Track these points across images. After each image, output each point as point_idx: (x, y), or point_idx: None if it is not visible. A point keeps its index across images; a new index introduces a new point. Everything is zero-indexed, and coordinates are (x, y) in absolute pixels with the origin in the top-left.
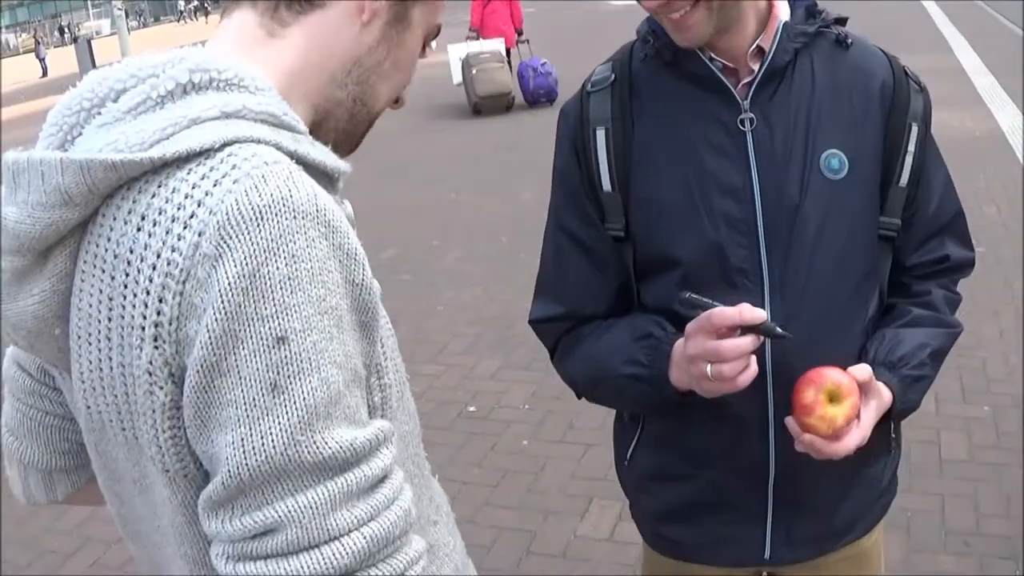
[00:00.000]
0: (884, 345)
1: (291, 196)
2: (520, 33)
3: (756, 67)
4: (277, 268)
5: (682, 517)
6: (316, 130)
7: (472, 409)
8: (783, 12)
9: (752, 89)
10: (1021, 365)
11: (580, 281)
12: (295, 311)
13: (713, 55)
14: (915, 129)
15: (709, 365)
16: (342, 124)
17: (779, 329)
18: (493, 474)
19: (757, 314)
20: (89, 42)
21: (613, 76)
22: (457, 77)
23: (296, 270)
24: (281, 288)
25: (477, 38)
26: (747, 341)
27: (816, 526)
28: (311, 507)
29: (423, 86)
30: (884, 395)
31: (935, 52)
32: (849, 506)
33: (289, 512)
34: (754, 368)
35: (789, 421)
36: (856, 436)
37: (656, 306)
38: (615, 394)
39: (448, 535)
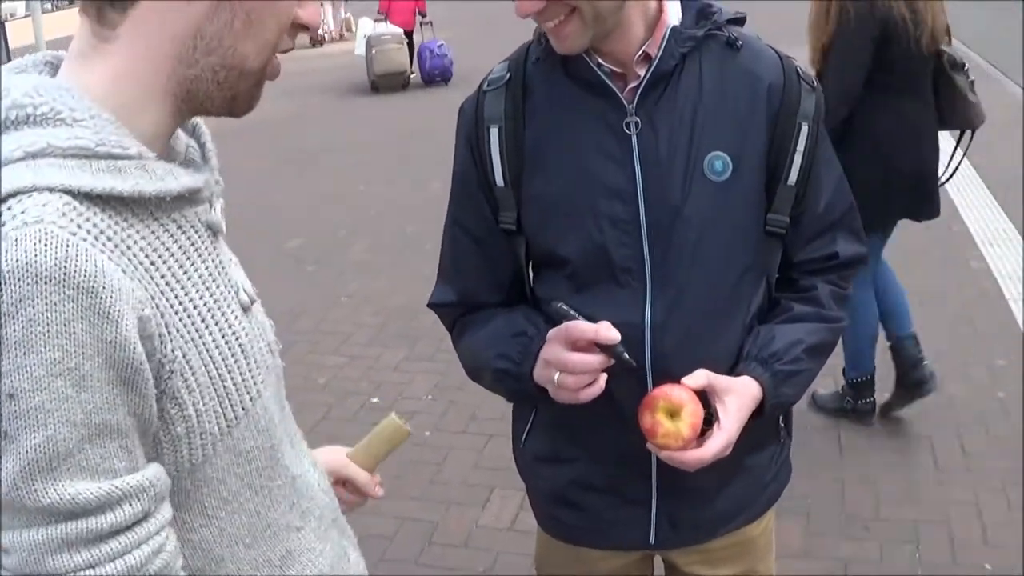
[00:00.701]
0: (758, 341)
1: (36, 261)
2: (423, 15)
3: (642, 72)
4: (13, 331)
5: (572, 500)
6: (196, 110)
7: (375, 400)
8: (672, 16)
9: (638, 94)
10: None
11: (473, 272)
12: (26, 372)
13: (600, 60)
14: (805, 128)
15: (558, 373)
16: (216, 95)
17: (625, 355)
18: (396, 465)
19: (611, 334)
20: (3, 24)
21: (508, 75)
22: (360, 50)
23: (31, 333)
24: (15, 350)
25: (384, 20)
26: (595, 358)
27: (698, 513)
28: (31, 544)
29: (331, 62)
30: (752, 390)
31: None
32: (732, 494)
33: (14, 543)
34: (600, 386)
35: (649, 446)
36: (719, 439)
37: (549, 298)
38: (491, 383)
39: (316, 540)
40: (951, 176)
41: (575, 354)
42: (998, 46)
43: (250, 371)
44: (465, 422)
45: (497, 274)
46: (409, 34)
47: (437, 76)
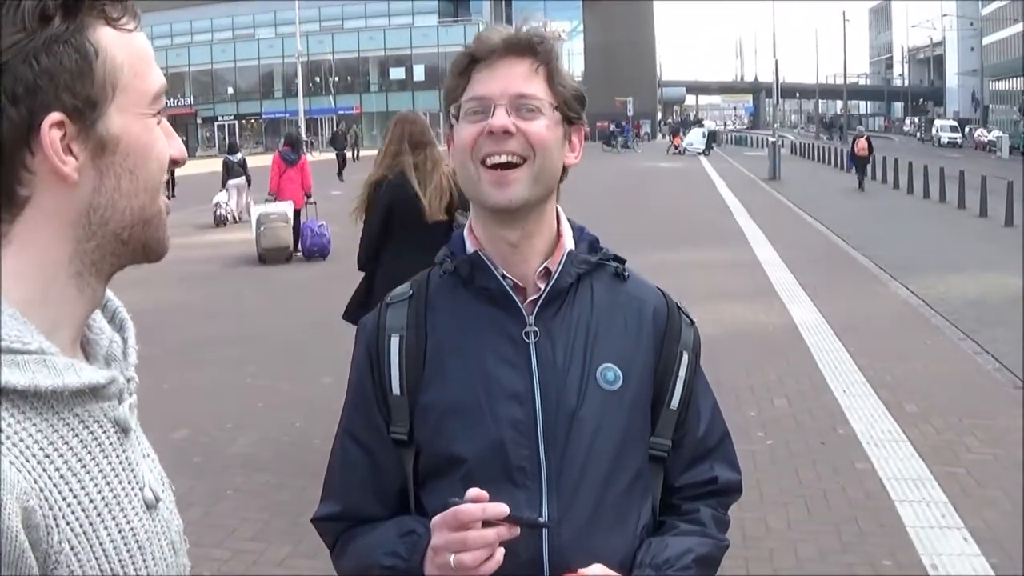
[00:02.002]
0: (651, 550)
1: None
2: (308, 196)
3: (542, 286)
4: None
5: None
6: (108, 273)
7: None
8: (568, 242)
9: (537, 306)
10: (808, 555)
11: (361, 483)
12: None
13: (505, 273)
14: (686, 357)
15: (452, 556)
16: (125, 253)
17: (528, 516)
18: None
19: (500, 510)
20: None
21: (411, 292)
22: (252, 233)
23: None
24: None
25: (273, 200)
26: (491, 532)
27: None
28: None
29: (230, 237)
30: None
31: (734, 246)
32: None
33: None
34: (498, 559)
35: None
36: None
37: (438, 508)
38: None
39: None
40: None
41: (471, 531)
42: (886, 247)
43: (145, 568)
44: None
45: (384, 486)
46: (297, 212)
47: (316, 252)
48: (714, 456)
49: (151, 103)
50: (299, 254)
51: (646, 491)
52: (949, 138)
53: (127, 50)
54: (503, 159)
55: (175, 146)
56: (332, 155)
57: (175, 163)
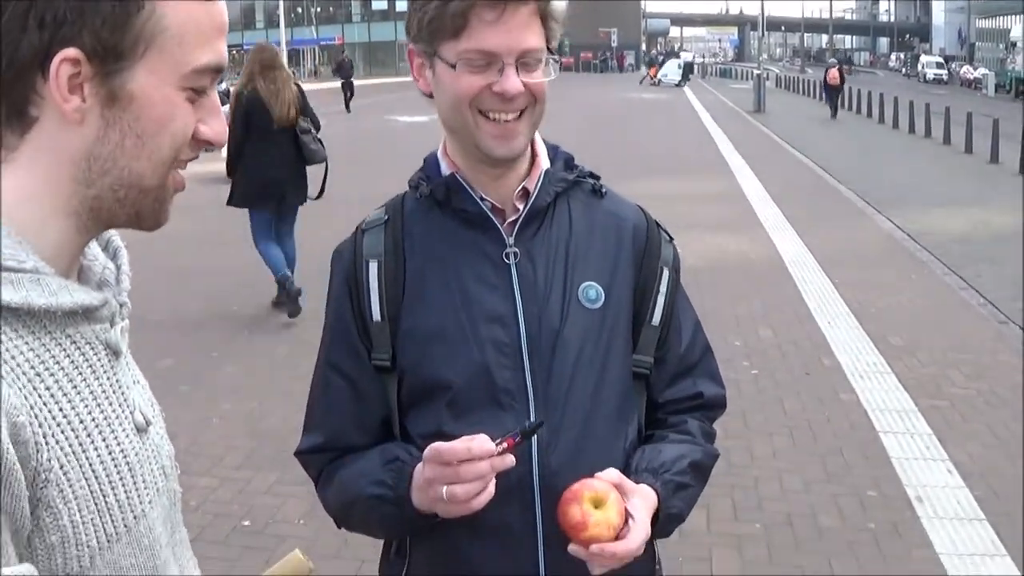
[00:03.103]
0: (645, 456)
1: None
2: None
3: (521, 207)
4: None
5: None
6: (104, 225)
7: (247, 523)
8: (545, 161)
9: (516, 227)
10: (793, 484)
11: (344, 413)
12: None
13: (483, 195)
14: (666, 273)
15: (444, 488)
16: (119, 213)
17: (525, 426)
18: None
19: (486, 448)
20: None
21: (387, 217)
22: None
23: None
24: None
25: None
26: (484, 464)
27: None
28: None
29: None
30: (651, 497)
31: (720, 178)
32: None
33: None
34: (490, 491)
35: (572, 548)
36: (639, 531)
37: (424, 433)
38: (364, 516)
39: None
40: (321, 193)
41: (464, 464)
42: (871, 181)
43: (136, 490)
44: (337, 547)
45: (368, 415)
46: None
47: None
48: (696, 372)
49: (190, 76)
50: None
51: (632, 409)
52: (935, 74)
53: (187, 16)
54: (509, 117)
55: (214, 127)
56: (335, 84)
57: (207, 143)
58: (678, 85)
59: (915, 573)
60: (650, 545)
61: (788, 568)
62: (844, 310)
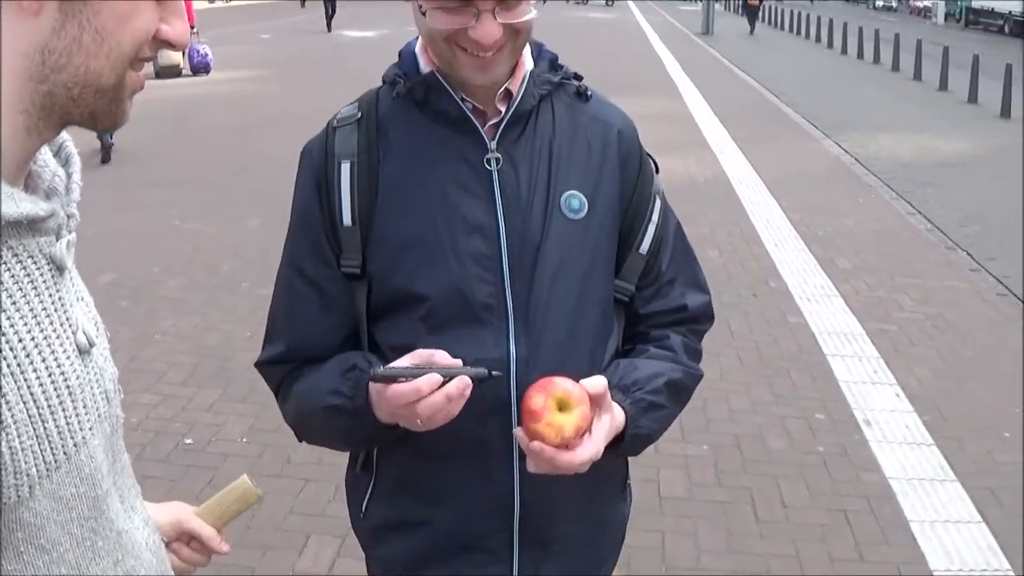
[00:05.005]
0: (619, 371)
1: None
2: (192, 27)
3: (503, 109)
4: None
5: (425, 563)
6: (57, 125)
7: (189, 441)
8: (528, 61)
9: (499, 131)
10: (741, 406)
11: (309, 321)
12: None
13: (464, 96)
14: (659, 202)
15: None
16: (74, 111)
17: (475, 371)
18: None
19: (434, 382)
20: None
21: (360, 114)
22: None
23: None
24: None
25: None
26: (439, 398)
27: (564, 567)
28: None
29: None
30: (617, 415)
31: (665, 97)
32: (595, 547)
33: None
34: (452, 412)
35: (517, 431)
36: (588, 449)
37: (396, 345)
38: (324, 428)
39: None
40: None
41: (420, 402)
42: (819, 105)
43: (76, 415)
44: (281, 465)
45: (334, 324)
46: None
47: (201, 69)
48: (680, 281)
49: None
50: (187, 71)
51: (610, 330)
52: (883, 2)
53: None
54: (488, 54)
55: (176, 27)
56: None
57: (169, 44)
58: (607, 4)
59: (864, 495)
60: (623, 462)
61: (736, 490)
62: (791, 232)
